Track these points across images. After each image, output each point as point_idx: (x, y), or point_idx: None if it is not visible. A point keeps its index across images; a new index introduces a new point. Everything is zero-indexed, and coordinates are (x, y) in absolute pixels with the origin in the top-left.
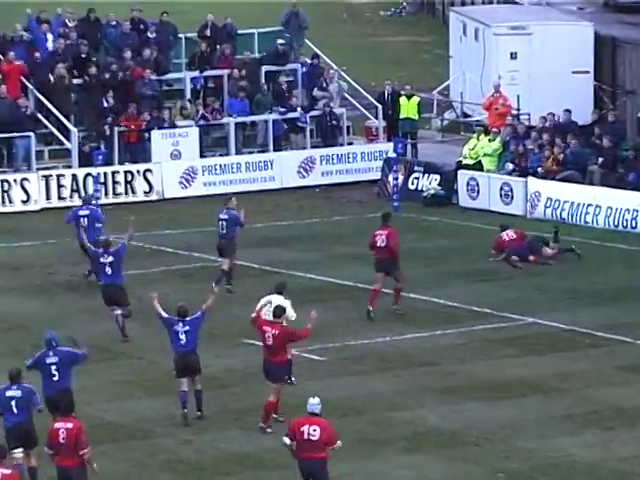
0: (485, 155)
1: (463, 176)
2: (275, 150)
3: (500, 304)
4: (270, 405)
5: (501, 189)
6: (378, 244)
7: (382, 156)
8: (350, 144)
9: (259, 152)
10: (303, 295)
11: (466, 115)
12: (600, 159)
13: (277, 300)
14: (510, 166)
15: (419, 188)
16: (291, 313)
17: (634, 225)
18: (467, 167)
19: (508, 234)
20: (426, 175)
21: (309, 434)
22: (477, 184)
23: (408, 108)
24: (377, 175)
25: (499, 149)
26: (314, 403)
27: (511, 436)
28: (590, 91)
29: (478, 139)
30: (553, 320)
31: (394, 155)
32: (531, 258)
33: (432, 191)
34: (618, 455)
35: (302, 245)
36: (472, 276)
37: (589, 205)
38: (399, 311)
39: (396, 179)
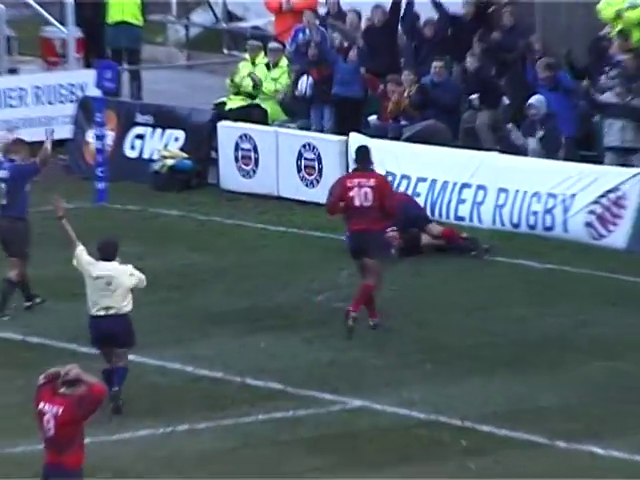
0: (266, 99)
1: (228, 133)
2: None
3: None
4: None
5: (300, 156)
6: (357, 202)
7: (75, 96)
8: (13, 72)
9: None
10: None
11: (232, 17)
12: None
13: (112, 272)
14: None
15: (145, 156)
16: (142, 279)
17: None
18: (235, 115)
19: None
20: (158, 132)
21: None
22: (254, 148)
23: (122, 5)
24: (66, 131)
25: (287, 82)
26: None
27: None
28: None
29: (254, 63)
30: None
31: (98, 94)
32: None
33: (170, 162)
34: None
35: None
36: None
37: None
38: (377, 325)
39: (101, 139)
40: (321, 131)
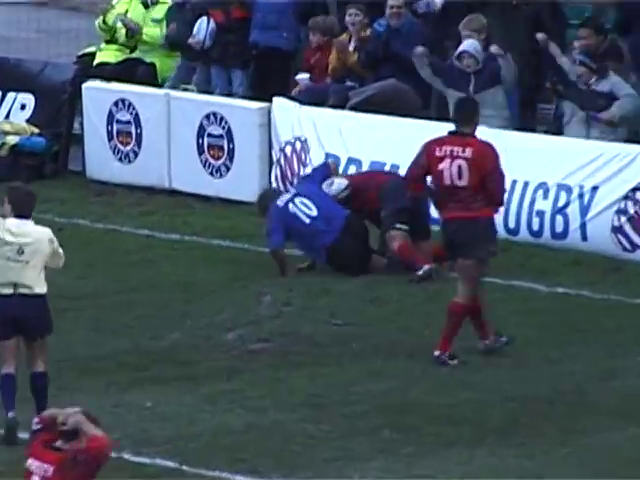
0: (151, 50)
1: (98, 98)
2: None
3: None
4: None
5: (202, 132)
6: (447, 180)
7: None
8: None
9: None
10: None
11: None
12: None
13: (28, 235)
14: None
15: None
16: (60, 251)
17: None
18: (110, 73)
19: None
20: None
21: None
22: (136, 120)
23: None
24: None
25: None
26: None
27: None
28: None
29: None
30: None
31: None
32: None
33: (13, 139)
34: None
35: None
36: None
37: None
38: (489, 344)
39: None
40: (230, 95)
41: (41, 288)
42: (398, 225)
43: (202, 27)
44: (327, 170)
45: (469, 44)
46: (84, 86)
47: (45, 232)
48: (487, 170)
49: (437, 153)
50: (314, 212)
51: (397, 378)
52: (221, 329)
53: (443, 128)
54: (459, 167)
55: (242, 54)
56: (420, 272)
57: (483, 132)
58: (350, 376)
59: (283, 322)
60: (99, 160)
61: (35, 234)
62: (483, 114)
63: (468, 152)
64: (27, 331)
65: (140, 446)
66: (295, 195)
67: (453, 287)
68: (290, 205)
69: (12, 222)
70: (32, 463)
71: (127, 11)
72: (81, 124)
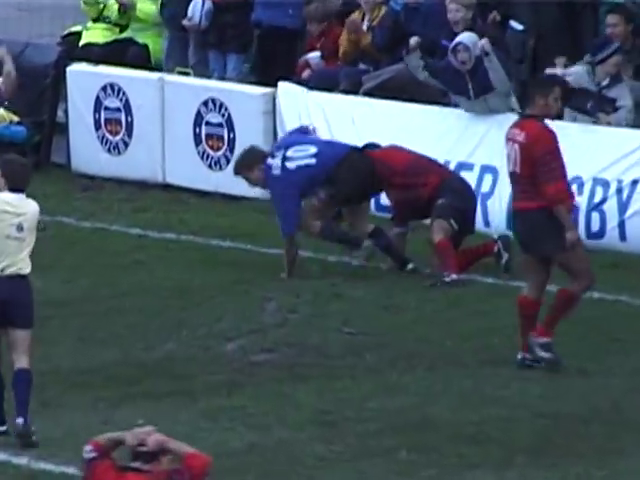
0: (144, 29)
1: (85, 83)
2: None
3: None
4: None
5: (200, 120)
6: (510, 166)
7: None
8: None
9: None
10: None
11: None
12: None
13: (27, 210)
14: None
15: None
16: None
17: None
18: (98, 55)
19: None
20: None
21: None
22: (126, 107)
23: None
24: None
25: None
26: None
27: None
28: None
29: None
30: None
31: None
32: None
33: None
34: None
35: None
36: None
37: None
38: (529, 358)
39: None
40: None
41: (29, 268)
42: (452, 221)
43: (197, 8)
44: (303, 130)
45: (466, 36)
46: (69, 69)
47: (36, 206)
48: (536, 156)
49: (507, 136)
50: (314, 149)
51: (415, 393)
52: (221, 339)
53: (463, 116)
54: (515, 151)
55: (241, 36)
56: (447, 279)
57: None
58: (364, 391)
59: (289, 331)
60: (85, 151)
61: (31, 209)
62: None
63: (522, 135)
64: (14, 317)
65: None
66: (285, 151)
67: (475, 292)
68: (287, 164)
69: (9, 196)
70: None
71: None
72: (65, 111)
